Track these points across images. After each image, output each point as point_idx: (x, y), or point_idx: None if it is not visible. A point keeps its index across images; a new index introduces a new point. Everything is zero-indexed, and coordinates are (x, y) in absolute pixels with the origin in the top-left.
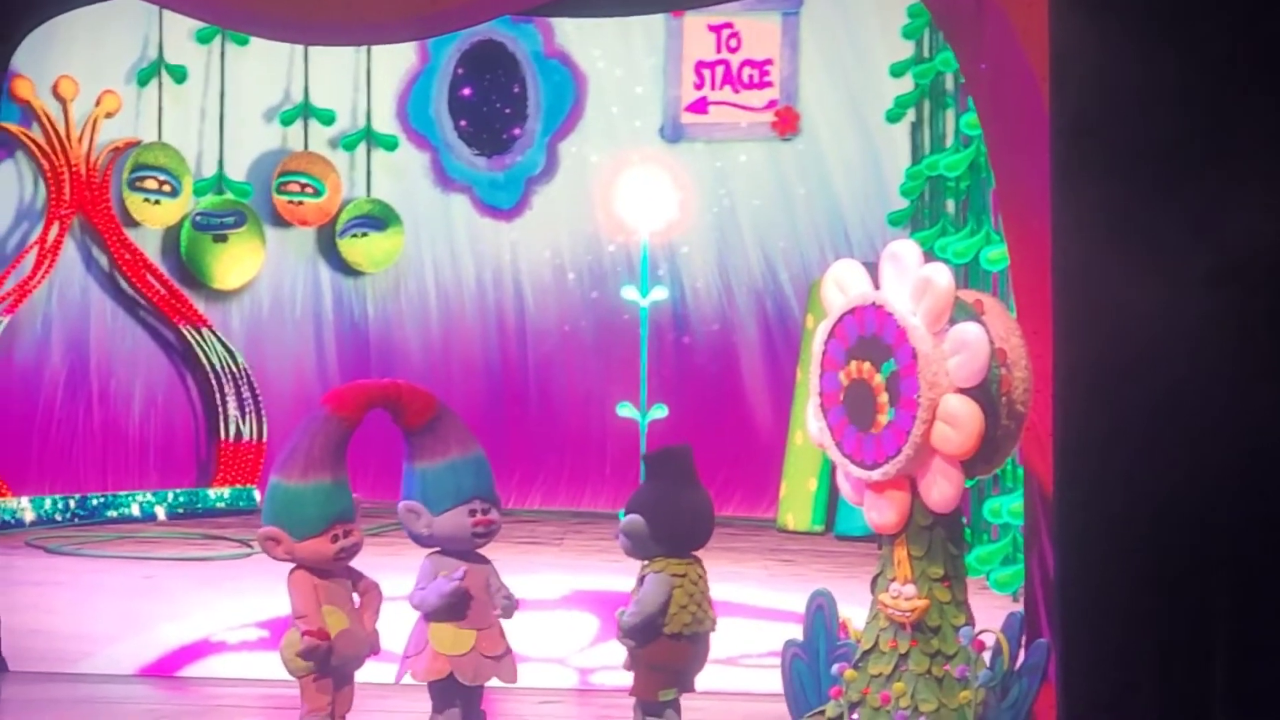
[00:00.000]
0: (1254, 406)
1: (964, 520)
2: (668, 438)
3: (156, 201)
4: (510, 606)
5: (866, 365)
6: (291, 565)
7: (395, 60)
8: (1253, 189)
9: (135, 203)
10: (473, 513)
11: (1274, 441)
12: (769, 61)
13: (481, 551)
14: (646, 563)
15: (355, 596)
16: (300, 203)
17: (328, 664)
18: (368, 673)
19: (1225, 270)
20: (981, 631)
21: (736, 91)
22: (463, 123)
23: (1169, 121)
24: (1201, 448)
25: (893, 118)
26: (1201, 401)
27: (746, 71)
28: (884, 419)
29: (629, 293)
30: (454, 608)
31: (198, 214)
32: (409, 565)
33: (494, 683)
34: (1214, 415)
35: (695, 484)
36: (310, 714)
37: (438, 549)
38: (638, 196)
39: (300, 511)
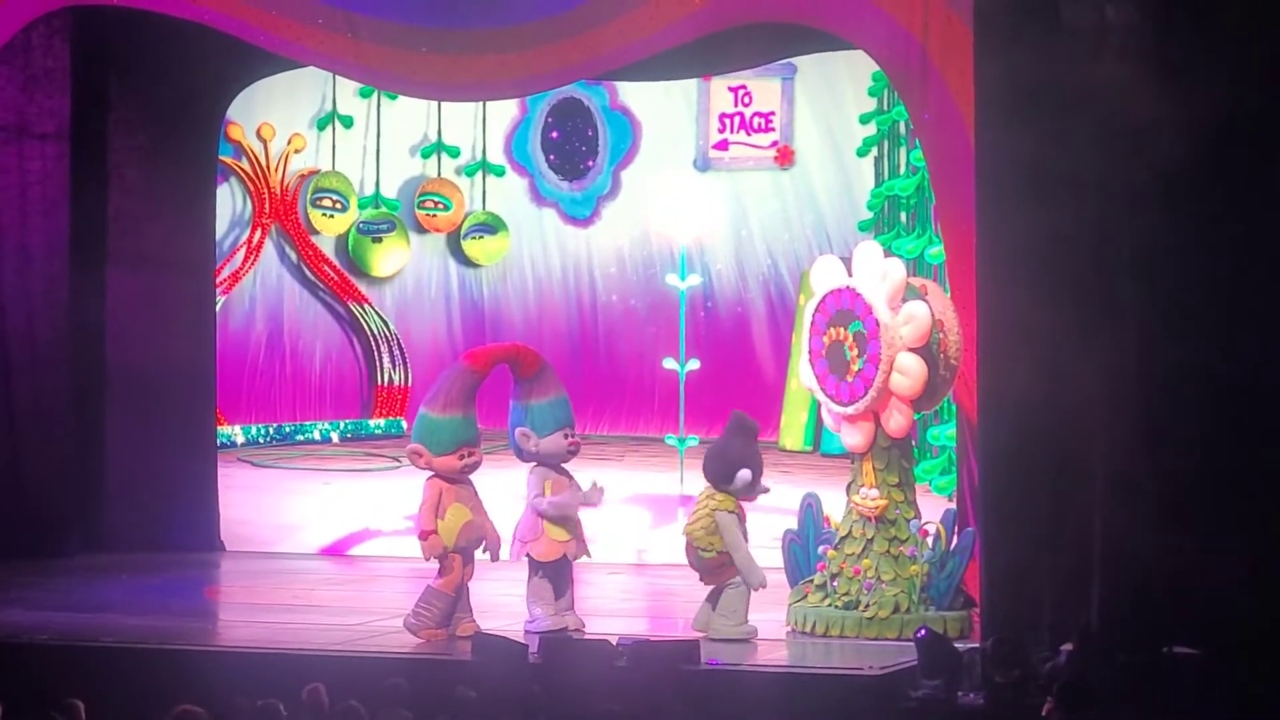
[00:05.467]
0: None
1: (913, 443)
2: (699, 384)
3: (331, 215)
4: (600, 494)
5: (842, 330)
6: (429, 474)
7: (504, 111)
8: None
9: (316, 216)
10: (567, 436)
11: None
12: (772, 113)
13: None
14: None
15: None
16: (435, 215)
17: (445, 551)
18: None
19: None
20: (926, 523)
21: (749, 134)
22: (551, 157)
23: (1070, 156)
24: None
25: (862, 153)
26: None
27: (756, 120)
28: (855, 369)
29: (672, 279)
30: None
31: (361, 223)
32: (511, 475)
33: (583, 560)
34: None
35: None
36: (445, 585)
37: (537, 464)
38: (678, 211)
39: (438, 435)
